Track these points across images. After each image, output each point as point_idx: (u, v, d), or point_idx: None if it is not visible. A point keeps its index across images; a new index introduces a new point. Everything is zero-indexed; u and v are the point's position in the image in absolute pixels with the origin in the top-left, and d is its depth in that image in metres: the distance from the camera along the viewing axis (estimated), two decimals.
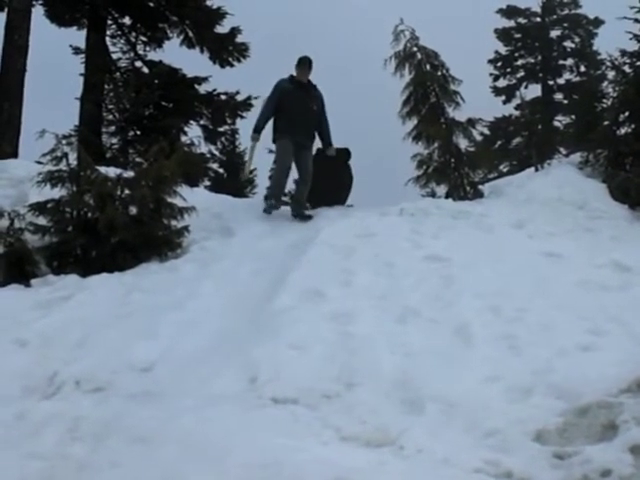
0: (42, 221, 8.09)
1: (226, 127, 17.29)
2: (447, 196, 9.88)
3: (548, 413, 4.83)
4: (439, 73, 9.99)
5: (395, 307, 6.33)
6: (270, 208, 9.29)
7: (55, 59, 18.78)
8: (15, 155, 11.67)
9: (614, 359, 5.35)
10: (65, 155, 8.19)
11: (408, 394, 5.18)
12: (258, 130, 9.42)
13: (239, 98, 16.42)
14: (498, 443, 4.55)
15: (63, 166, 8.18)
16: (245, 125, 18.26)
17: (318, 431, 4.74)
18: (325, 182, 9.46)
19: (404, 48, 9.95)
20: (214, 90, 16.41)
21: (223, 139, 17.61)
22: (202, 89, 16.48)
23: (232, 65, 16.45)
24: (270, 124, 9.49)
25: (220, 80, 16.56)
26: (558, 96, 26.40)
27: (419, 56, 9.95)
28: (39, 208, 8.09)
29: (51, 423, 4.84)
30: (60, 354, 5.86)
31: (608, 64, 11.31)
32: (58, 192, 8.19)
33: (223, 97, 16.45)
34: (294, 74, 9.47)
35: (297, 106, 9.21)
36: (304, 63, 9.46)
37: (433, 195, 10.97)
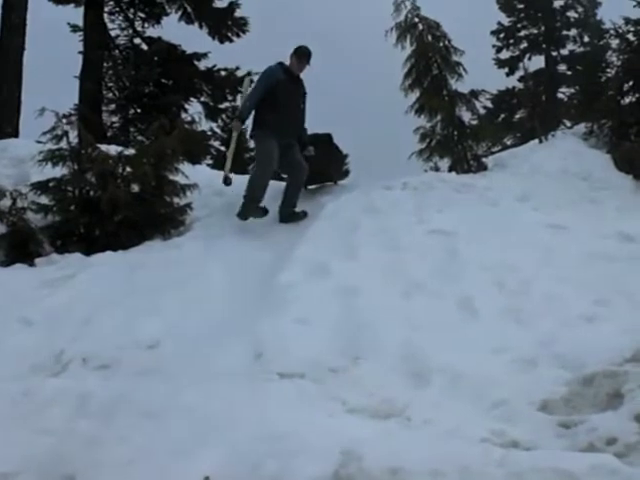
0: (44, 200, 8.09)
1: (227, 104, 17.23)
2: (450, 169, 9.83)
3: (553, 383, 4.85)
4: (441, 44, 9.87)
5: (400, 281, 6.33)
6: (247, 212, 8.06)
7: (53, 37, 18.65)
8: (15, 135, 11.65)
9: (619, 329, 5.36)
10: (65, 133, 8.17)
11: (414, 367, 5.20)
12: (243, 119, 8.36)
13: (239, 74, 16.34)
14: (504, 413, 4.58)
15: (64, 144, 8.16)
16: None
17: (324, 404, 4.76)
18: (315, 162, 8.60)
19: (405, 19, 9.83)
20: (214, 66, 16.37)
21: (224, 116, 17.53)
22: (202, 65, 16.45)
23: (231, 40, 16.37)
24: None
25: (220, 56, 16.49)
26: (562, 67, 26.21)
27: (420, 27, 9.83)
28: (41, 187, 8.08)
29: (59, 400, 4.87)
30: (66, 332, 5.88)
31: (612, 32, 11.20)
32: (59, 171, 8.18)
33: (223, 73, 16.38)
34: (287, 63, 8.30)
35: (290, 102, 8.15)
36: (304, 55, 8.30)
37: (436, 169, 10.91)
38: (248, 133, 8.73)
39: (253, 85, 8.55)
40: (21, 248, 7.70)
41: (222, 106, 17.07)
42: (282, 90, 8.04)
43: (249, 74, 15.75)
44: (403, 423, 4.57)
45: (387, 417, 4.66)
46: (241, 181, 8.48)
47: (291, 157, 8.24)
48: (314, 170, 8.58)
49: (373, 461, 3.91)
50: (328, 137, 9.15)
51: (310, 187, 9.14)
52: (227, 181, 8.19)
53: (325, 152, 8.79)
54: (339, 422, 4.52)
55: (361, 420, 4.61)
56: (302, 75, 8.42)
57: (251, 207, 8.01)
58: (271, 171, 8.15)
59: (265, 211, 8.11)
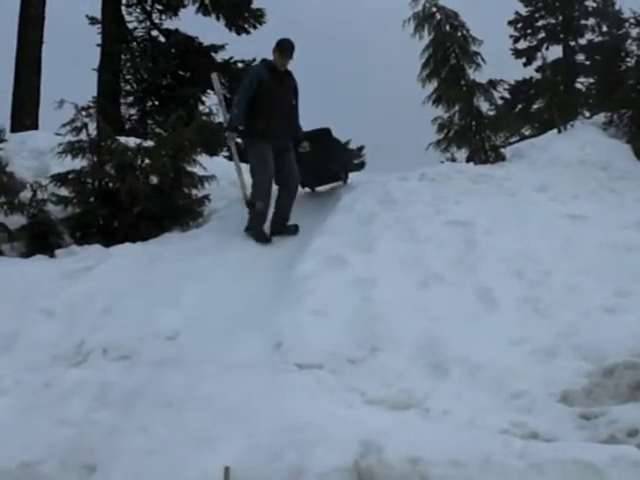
0: (64, 192, 8.13)
1: None
2: (468, 160, 9.78)
3: (574, 374, 4.84)
4: (459, 34, 9.81)
5: (418, 272, 6.32)
6: (260, 237, 7.54)
7: (72, 30, 18.73)
8: (35, 127, 11.71)
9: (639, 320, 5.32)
10: (85, 125, 8.20)
11: (432, 358, 5.20)
12: (235, 127, 7.66)
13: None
14: (524, 405, 4.57)
15: (83, 137, 8.19)
16: None
17: (343, 395, 4.78)
18: (317, 163, 8.09)
19: (423, 8, 9.77)
20: (231, 58, 16.32)
21: None
22: (219, 57, 16.40)
23: (248, 32, 16.32)
24: None
25: (237, 48, 16.46)
26: (580, 57, 25.98)
27: (438, 16, 9.77)
28: (60, 179, 8.12)
29: (80, 390, 4.92)
30: (86, 323, 5.92)
31: (631, 21, 11.09)
32: (79, 163, 8.21)
33: (240, 65, 16.35)
34: (271, 60, 7.72)
35: (277, 101, 7.52)
36: (286, 49, 7.66)
37: (453, 160, 10.86)
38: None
39: (239, 88, 7.86)
40: (41, 239, 7.75)
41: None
42: (268, 90, 7.48)
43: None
44: (422, 414, 4.58)
45: (406, 408, 4.67)
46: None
47: (282, 165, 7.62)
48: (319, 170, 8.22)
49: (393, 452, 3.92)
50: (326, 132, 8.56)
51: (319, 189, 8.75)
52: (250, 204, 7.63)
53: (325, 148, 8.14)
54: (358, 413, 4.54)
55: (380, 411, 4.62)
56: (290, 68, 7.80)
57: (258, 231, 7.52)
58: (269, 177, 7.55)
59: (268, 239, 7.52)
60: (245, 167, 7.98)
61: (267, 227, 7.67)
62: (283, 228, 7.70)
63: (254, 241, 7.47)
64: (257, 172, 7.59)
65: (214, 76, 8.60)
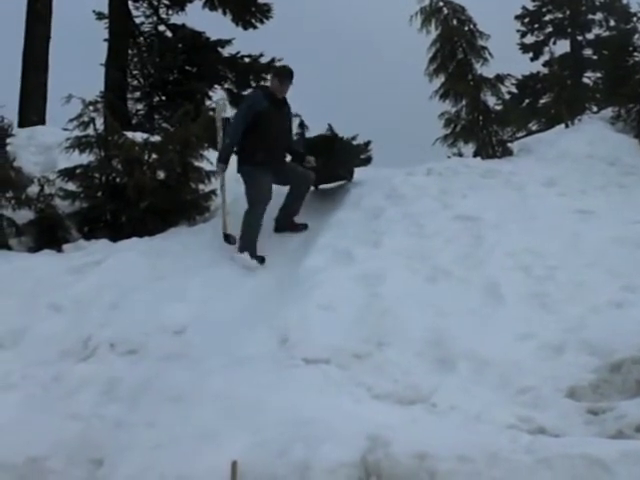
0: (71, 187, 8.14)
1: (250, 90, 17.21)
2: (475, 155, 9.76)
3: (581, 370, 4.83)
4: (466, 28, 9.78)
5: (425, 267, 6.31)
6: (257, 258, 7.06)
7: (79, 25, 18.76)
8: (42, 122, 11.73)
9: None
10: (92, 120, 8.20)
11: (439, 353, 5.20)
12: (225, 159, 7.35)
13: (263, 60, 16.31)
14: (531, 400, 4.56)
15: (90, 131, 8.19)
16: None
17: (350, 390, 4.78)
18: (323, 167, 7.85)
19: (430, 3, 9.74)
20: (237, 53, 16.33)
21: None
22: (225, 52, 16.41)
23: (255, 27, 16.32)
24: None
25: (243, 42, 16.47)
26: (587, 52, 25.87)
27: (445, 11, 9.74)
28: (68, 174, 8.13)
29: (87, 385, 4.95)
30: (94, 317, 5.94)
31: (639, 16, 11.02)
32: (86, 158, 8.22)
33: (247, 60, 16.35)
34: (268, 86, 7.55)
35: (277, 130, 7.29)
36: (287, 77, 7.44)
37: (460, 155, 10.84)
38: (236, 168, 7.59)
39: (233, 117, 7.54)
40: (49, 234, 7.77)
41: (246, 93, 17.06)
42: (267, 119, 7.20)
43: (273, 61, 15.79)
44: (429, 409, 4.57)
45: (413, 403, 4.67)
46: None
47: (287, 175, 7.48)
48: (324, 173, 7.99)
49: (400, 447, 3.92)
50: (330, 140, 8.48)
51: (322, 187, 8.42)
52: (229, 239, 7.24)
53: (331, 156, 8.04)
54: (365, 408, 4.54)
55: (387, 406, 4.62)
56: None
57: (250, 252, 7.04)
58: (263, 212, 7.26)
59: (262, 260, 7.03)
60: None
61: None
62: (290, 225, 7.56)
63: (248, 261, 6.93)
64: (253, 205, 7.23)
65: (220, 103, 8.44)
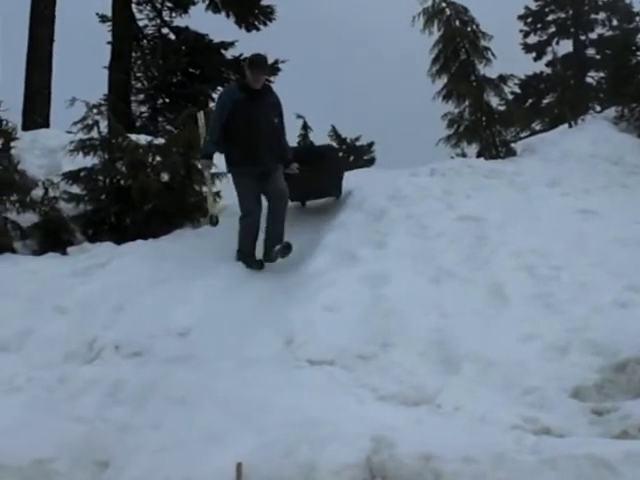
0: (76, 189, 8.16)
1: None
2: (479, 155, 9.78)
3: (586, 370, 4.82)
4: (469, 29, 9.82)
5: (429, 268, 6.32)
6: (254, 264, 6.97)
7: (82, 28, 18.80)
8: (46, 125, 11.76)
9: None
10: (96, 123, 8.22)
11: (444, 354, 5.20)
12: (208, 154, 7.12)
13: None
14: (536, 400, 4.56)
15: (94, 134, 8.22)
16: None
17: (355, 391, 4.78)
18: (311, 174, 7.54)
19: (432, 4, 9.77)
20: (241, 55, 16.32)
21: None
22: (229, 54, 16.42)
23: (258, 29, 16.31)
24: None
25: (247, 45, 16.48)
26: (590, 51, 25.86)
27: (448, 12, 9.78)
28: (72, 177, 8.15)
29: (92, 387, 4.94)
30: (99, 320, 5.94)
31: None
32: (90, 160, 8.25)
33: None
34: (245, 79, 7.06)
35: (255, 122, 6.82)
36: (258, 65, 6.97)
37: (464, 155, 10.85)
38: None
39: (212, 115, 7.24)
40: (53, 237, 7.78)
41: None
42: (242, 111, 6.79)
43: (276, 62, 15.79)
44: (434, 410, 4.57)
45: (417, 404, 4.67)
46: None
47: (268, 186, 6.95)
48: (313, 186, 7.83)
49: (405, 448, 3.92)
50: (330, 150, 8.22)
51: (308, 203, 8.36)
52: (212, 220, 7.16)
53: (326, 167, 7.84)
54: (370, 409, 4.54)
55: (392, 407, 4.62)
56: (272, 85, 7.49)
57: (247, 260, 6.95)
58: (256, 217, 6.96)
59: (261, 264, 6.97)
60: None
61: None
62: (278, 252, 6.93)
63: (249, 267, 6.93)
64: (242, 212, 7.03)
65: (200, 115, 7.85)
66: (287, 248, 6.94)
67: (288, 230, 7.25)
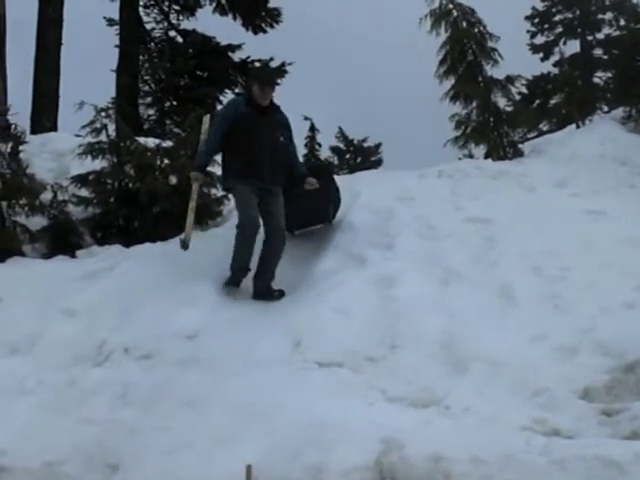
0: (84, 193, 8.19)
1: None
2: (486, 156, 9.76)
3: (595, 371, 4.82)
4: (476, 30, 9.81)
5: (437, 269, 6.32)
6: (236, 282, 6.58)
7: (90, 31, 18.90)
8: (55, 128, 11.80)
9: None
10: (104, 126, 8.25)
11: (453, 355, 5.20)
12: (201, 166, 6.76)
13: (273, 65, 16.34)
14: (545, 401, 4.56)
15: (103, 137, 8.25)
16: (280, 93, 18.25)
17: (364, 393, 4.79)
18: (306, 199, 6.98)
19: (439, 5, 9.77)
20: (248, 57, 16.36)
21: None
22: (236, 57, 16.45)
23: (265, 31, 16.36)
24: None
25: (254, 47, 16.52)
26: (598, 51, 25.78)
27: (455, 13, 9.76)
28: (81, 180, 8.18)
29: (102, 389, 4.96)
30: (108, 323, 5.95)
31: None
32: (99, 164, 8.27)
33: (257, 64, 16.39)
34: (251, 93, 6.69)
35: (258, 138, 6.50)
36: (266, 80, 6.75)
37: (471, 157, 10.84)
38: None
39: (212, 126, 6.83)
40: (62, 240, 7.81)
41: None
42: (246, 125, 6.50)
43: (283, 65, 15.81)
44: (443, 411, 4.58)
45: (426, 405, 4.67)
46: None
47: (268, 211, 6.57)
48: (310, 210, 7.17)
49: (414, 449, 3.93)
50: (327, 169, 7.87)
51: (298, 232, 7.54)
52: (184, 245, 6.54)
53: (324, 188, 7.13)
54: (379, 411, 4.54)
55: (401, 409, 4.63)
56: (278, 102, 6.78)
57: (238, 280, 6.55)
58: (254, 230, 6.46)
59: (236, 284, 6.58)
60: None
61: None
62: (267, 293, 6.49)
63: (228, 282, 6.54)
64: (239, 224, 6.54)
65: (205, 119, 7.34)
66: (280, 294, 6.46)
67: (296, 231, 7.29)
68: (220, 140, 6.59)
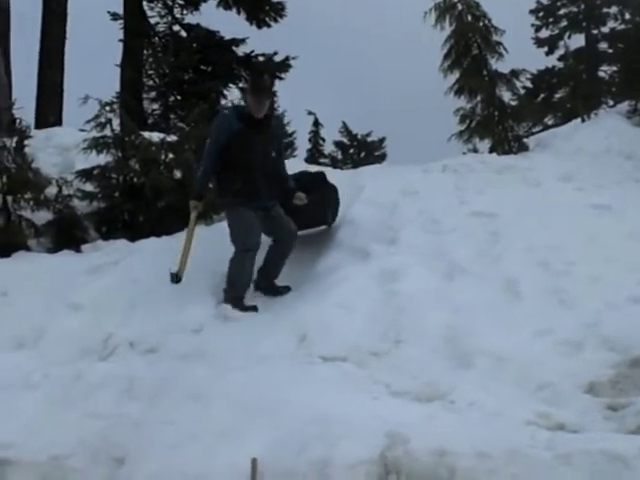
0: (89, 187, 8.22)
1: None
2: (491, 150, 9.75)
3: (600, 365, 4.82)
4: (481, 24, 9.79)
5: (442, 264, 6.31)
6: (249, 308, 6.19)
7: (94, 26, 18.90)
8: (59, 123, 11.82)
9: None
10: (109, 121, 8.26)
11: (457, 349, 5.20)
12: (199, 195, 6.41)
13: (277, 59, 16.34)
14: (550, 396, 4.56)
15: (107, 132, 8.26)
16: (284, 86, 18.27)
17: (368, 387, 4.79)
18: (303, 207, 6.68)
19: None
20: (252, 52, 16.36)
21: None
22: (240, 51, 16.45)
23: (269, 25, 16.36)
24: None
25: (258, 41, 16.51)
26: (603, 45, 25.70)
27: (460, 7, 9.75)
28: (86, 175, 8.21)
29: (107, 383, 4.97)
30: (113, 317, 5.98)
31: None
32: (104, 158, 8.29)
33: (261, 58, 16.38)
34: (244, 106, 6.43)
35: (255, 156, 6.18)
36: (261, 90, 6.24)
37: (476, 151, 10.82)
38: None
39: (206, 148, 6.45)
40: (67, 235, 7.85)
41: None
42: (241, 143, 6.12)
43: (287, 59, 15.80)
44: (447, 406, 4.57)
45: (431, 400, 4.66)
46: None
47: (277, 221, 6.41)
48: (308, 215, 6.89)
49: (419, 443, 3.92)
50: (322, 176, 7.45)
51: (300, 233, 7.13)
52: (176, 279, 6.27)
53: (320, 195, 7.03)
54: (383, 405, 4.54)
55: (405, 403, 4.62)
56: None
57: (236, 304, 6.15)
58: (252, 255, 6.26)
59: (255, 309, 6.21)
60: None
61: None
62: (271, 289, 6.46)
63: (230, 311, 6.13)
64: (236, 248, 6.27)
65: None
66: (286, 290, 6.44)
67: None
68: (216, 159, 6.23)
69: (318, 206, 6.96)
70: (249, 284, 6.36)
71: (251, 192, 6.18)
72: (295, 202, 6.52)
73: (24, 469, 4.29)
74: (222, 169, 6.26)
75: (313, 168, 9.24)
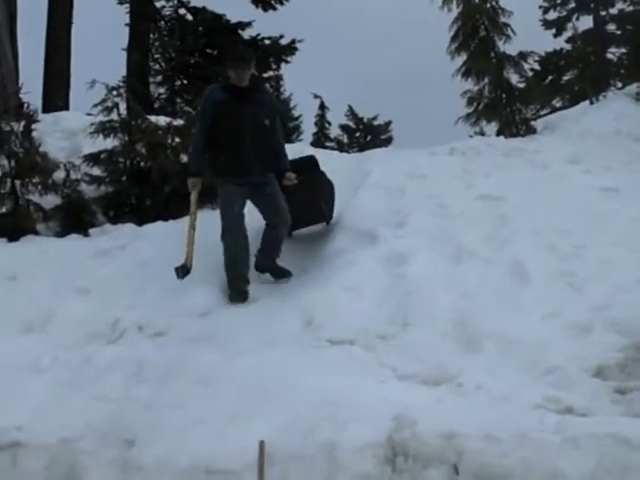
0: (97, 172, 8.23)
1: (271, 73, 17.20)
2: (498, 133, 9.71)
3: (608, 349, 4.81)
4: (488, 5, 9.73)
5: (449, 247, 6.30)
6: (240, 294, 6.06)
7: (100, 10, 18.83)
8: (66, 107, 11.81)
9: None
10: (116, 105, 8.25)
11: (465, 333, 5.20)
12: (195, 172, 6.29)
13: (283, 42, 16.26)
14: (558, 380, 4.56)
15: (114, 116, 8.25)
16: (290, 70, 18.21)
17: (375, 370, 4.80)
18: (298, 198, 6.45)
19: None
20: (258, 35, 16.29)
21: (268, 85, 17.49)
22: (246, 34, 16.38)
23: (275, 8, 16.28)
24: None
25: (264, 24, 16.43)
26: (611, 27, 25.47)
27: None
28: (93, 159, 8.21)
29: (116, 367, 4.98)
30: (121, 301, 6.00)
31: None
32: (111, 142, 8.28)
33: (267, 42, 16.31)
34: (228, 77, 6.26)
35: (242, 125, 6.03)
36: (237, 60, 6.15)
37: (483, 134, 10.79)
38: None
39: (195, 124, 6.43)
40: (75, 219, 7.85)
41: (266, 75, 17.02)
42: (225, 113, 6.01)
43: (293, 42, 15.73)
44: (455, 389, 4.57)
45: (438, 383, 4.67)
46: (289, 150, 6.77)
47: (262, 204, 6.27)
48: (300, 207, 6.55)
49: (426, 426, 3.93)
50: (312, 160, 7.17)
51: (295, 232, 7.05)
52: (183, 272, 6.13)
53: (310, 181, 6.75)
54: (391, 388, 4.55)
55: (412, 386, 4.63)
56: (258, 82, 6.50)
57: (239, 290, 6.07)
58: (238, 231, 6.10)
59: (244, 297, 6.11)
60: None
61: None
62: (272, 269, 6.35)
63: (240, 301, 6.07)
64: (223, 230, 6.15)
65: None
66: (286, 273, 6.35)
67: None
68: (204, 136, 6.14)
69: (312, 196, 6.76)
70: (246, 261, 6.18)
71: (239, 166, 6.06)
72: (285, 182, 6.31)
73: (34, 451, 4.32)
74: (211, 145, 6.15)
75: (319, 152, 9.13)
